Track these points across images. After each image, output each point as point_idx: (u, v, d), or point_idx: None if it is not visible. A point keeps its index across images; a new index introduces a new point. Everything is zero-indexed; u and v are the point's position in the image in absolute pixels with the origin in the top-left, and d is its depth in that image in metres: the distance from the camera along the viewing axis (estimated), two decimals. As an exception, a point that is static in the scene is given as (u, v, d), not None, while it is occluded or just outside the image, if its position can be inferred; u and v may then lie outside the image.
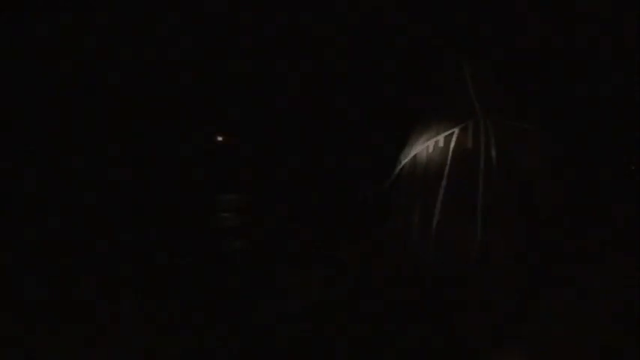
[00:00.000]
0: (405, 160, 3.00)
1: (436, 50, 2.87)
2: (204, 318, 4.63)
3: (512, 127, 2.70)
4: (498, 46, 3.06)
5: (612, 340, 2.87)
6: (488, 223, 2.97)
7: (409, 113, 3.15)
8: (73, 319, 4.65)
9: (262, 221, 4.79)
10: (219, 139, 6.93)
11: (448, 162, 2.91)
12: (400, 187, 3.10)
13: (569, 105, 2.96)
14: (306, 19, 5.00)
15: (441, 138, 2.86)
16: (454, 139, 2.85)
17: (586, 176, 2.91)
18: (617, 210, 3.23)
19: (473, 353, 2.76)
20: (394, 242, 3.11)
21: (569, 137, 2.80)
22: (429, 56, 2.88)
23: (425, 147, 2.96)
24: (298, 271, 5.16)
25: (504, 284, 2.97)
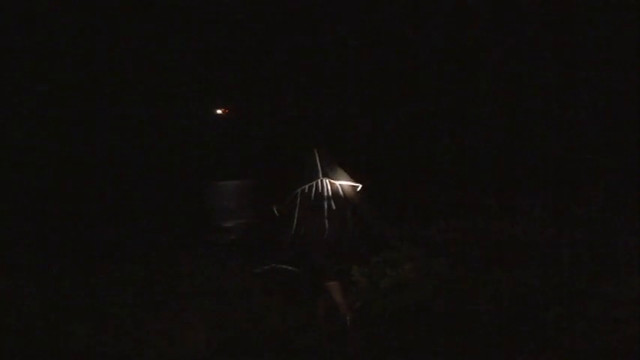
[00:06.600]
0: (295, 192, 6.37)
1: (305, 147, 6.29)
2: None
3: (338, 182, 6.16)
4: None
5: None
6: (330, 226, 6.30)
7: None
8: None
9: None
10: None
11: (312, 197, 6.25)
12: (289, 210, 6.43)
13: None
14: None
15: (309, 185, 6.24)
16: (314, 187, 6.22)
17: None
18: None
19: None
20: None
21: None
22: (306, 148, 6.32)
23: (302, 189, 6.32)
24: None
25: (337, 254, 6.35)
